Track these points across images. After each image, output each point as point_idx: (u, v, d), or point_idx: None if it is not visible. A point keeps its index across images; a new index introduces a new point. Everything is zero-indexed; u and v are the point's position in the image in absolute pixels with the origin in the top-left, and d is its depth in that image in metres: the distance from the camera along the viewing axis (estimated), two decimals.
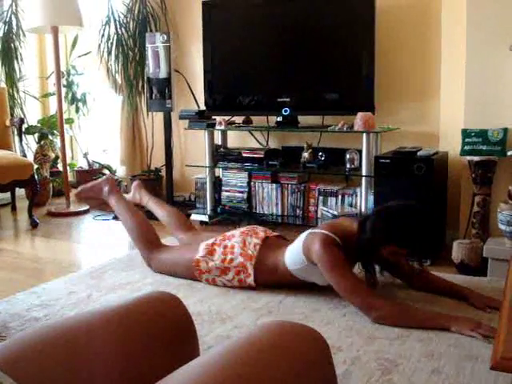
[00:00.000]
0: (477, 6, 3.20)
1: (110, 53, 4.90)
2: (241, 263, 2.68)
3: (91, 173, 5.25)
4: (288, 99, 4.04)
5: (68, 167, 5.05)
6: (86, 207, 4.76)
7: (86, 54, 5.35)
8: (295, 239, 2.63)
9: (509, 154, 3.17)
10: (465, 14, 3.25)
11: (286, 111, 4.03)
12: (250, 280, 2.68)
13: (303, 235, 2.57)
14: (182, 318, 1.14)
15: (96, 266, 3.21)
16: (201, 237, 3.08)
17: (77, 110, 5.55)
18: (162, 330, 1.08)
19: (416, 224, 2.38)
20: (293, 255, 2.57)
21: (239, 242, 2.74)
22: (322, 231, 2.45)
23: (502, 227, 3.00)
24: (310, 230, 2.55)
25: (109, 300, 2.64)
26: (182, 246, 3.13)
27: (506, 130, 3.18)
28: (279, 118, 4.13)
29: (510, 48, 2.96)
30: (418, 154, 3.41)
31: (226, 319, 2.40)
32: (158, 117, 4.80)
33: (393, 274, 2.68)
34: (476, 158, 3.25)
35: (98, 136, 5.76)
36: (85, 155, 5.50)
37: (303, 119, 4.15)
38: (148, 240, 3.05)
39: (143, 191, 3.50)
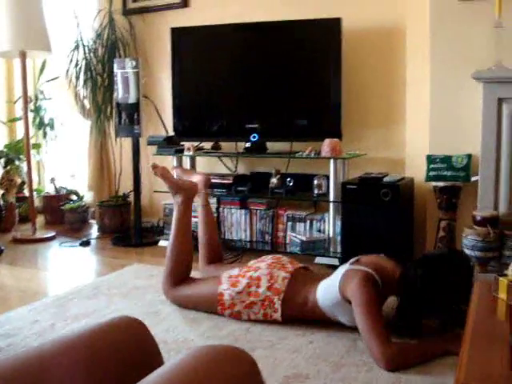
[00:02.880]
0: (440, 35, 3.27)
1: (78, 78, 4.88)
2: (267, 297, 2.56)
3: (58, 198, 5.18)
4: (256, 125, 4.06)
5: (35, 193, 4.99)
6: (52, 234, 4.69)
7: (54, 79, 5.31)
8: (327, 273, 2.54)
9: (473, 179, 3.22)
10: (429, 41, 3.32)
11: (254, 137, 4.05)
12: (278, 316, 2.56)
13: (340, 271, 2.47)
14: (148, 343, 1.13)
15: (61, 293, 3.15)
16: (223, 269, 2.91)
17: (44, 135, 5.49)
18: (128, 355, 1.07)
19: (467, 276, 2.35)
20: (327, 290, 2.47)
21: (265, 274, 2.61)
22: (365, 269, 2.37)
23: (467, 252, 3.03)
24: (349, 266, 2.45)
25: (73, 329, 2.58)
26: (203, 278, 2.97)
27: (469, 156, 3.24)
28: (248, 144, 4.14)
29: (473, 76, 3.02)
30: (384, 179, 3.45)
31: (191, 348, 2.36)
32: (127, 142, 4.78)
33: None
34: (441, 184, 3.30)
35: (66, 161, 5.70)
36: (52, 180, 5.43)
37: (271, 145, 4.17)
38: (177, 275, 2.85)
39: (207, 191, 3.22)
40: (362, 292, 2.30)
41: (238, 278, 2.65)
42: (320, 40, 3.88)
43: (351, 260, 2.53)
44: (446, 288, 2.32)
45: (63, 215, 5.04)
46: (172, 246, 2.89)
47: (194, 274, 2.96)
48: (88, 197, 5.21)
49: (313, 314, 2.54)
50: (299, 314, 2.58)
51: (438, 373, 2.10)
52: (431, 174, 3.33)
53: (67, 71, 4.89)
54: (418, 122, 3.59)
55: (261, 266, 2.69)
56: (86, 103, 4.99)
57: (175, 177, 3.19)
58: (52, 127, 5.50)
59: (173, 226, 2.93)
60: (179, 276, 2.87)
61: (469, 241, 3.00)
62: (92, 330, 1.08)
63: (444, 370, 2.11)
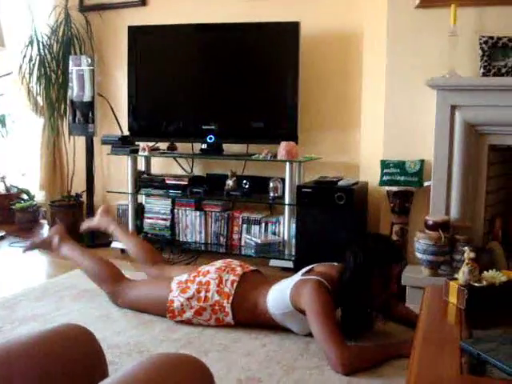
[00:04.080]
0: (396, 41, 3.31)
1: (31, 74, 4.77)
2: (217, 302, 2.56)
3: (9, 197, 5.05)
4: (213, 127, 4.04)
5: None
6: (1, 233, 4.57)
7: (6, 75, 5.17)
8: (280, 276, 2.57)
9: (425, 184, 3.27)
10: (385, 48, 3.36)
11: (210, 139, 4.03)
12: (229, 319, 2.56)
13: (291, 281, 2.48)
14: (94, 353, 1.10)
15: (9, 295, 3.07)
16: (170, 270, 2.95)
17: None
18: (72, 366, 1.04)
19: (378, 237, 2.49)
20: (277, 299, 2.47)
21: (215, 278, 2.61)
22: (316, 277, 2.39)
23: (419, 255, 3.08)
24: (300, 277, 2.47)
25: (20, 333, 2.52)
26: (151, 280, 2.98)
27: (422, 162, 3.29)
28: (204, 146, 4.12)
29: (427, 83, 3.07)
30: (339, 183, 3.48)
31: (144, 351, 2.33)
32: (81, 141, 4.69)
33: (385, 316, 2.57)
34: (394, 189, 3.34)
35: (17, 159, 5.56)
36: (2, 179, 5.29)
37: (228, 147, 4.16)
38: (110, 274, 2.89)
39: (110, 217, 3.36)
40: (315, 299, 2.31)
41: (187, 284, 2.64)
42: (278, 43, 3.89)
43: (304, 270, 2.55)
44: (374, 258, 2.36)
45: (13, 215, 4.92)
46: (86, 263, 2.96)
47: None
48: (39, 196, 5.09)
49: (264, 319, 2.54)
50: (251, 318, 2.57)
51: (389, 376, 2.13)
52: (385, 178, 3.36)
53: (20, 67, 4.77)
54: (373, 127, 3.63)
55: (210, 270, 2.69)
56: (40, 100, 4.88)
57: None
58: (3, 124, 5.36)
59: (76, 259, 3.01)
60: (117, 276, 2.89)
61: (421, 245, 3.04)
62: (34, 339, 1.05)
63: (395, 373, 2.14)
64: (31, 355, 1.01)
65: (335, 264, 2.54)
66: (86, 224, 3.46)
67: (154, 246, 4.05)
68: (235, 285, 2.57)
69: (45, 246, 3.15)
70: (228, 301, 2.55)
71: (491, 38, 3.02)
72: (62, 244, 3.07)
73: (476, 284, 1.94)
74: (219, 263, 2.77)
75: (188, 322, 2.63)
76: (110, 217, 3.36)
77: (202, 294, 2.58)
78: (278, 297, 2.48)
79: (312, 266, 2.56)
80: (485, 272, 2.04)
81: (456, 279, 2.02)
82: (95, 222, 3.38)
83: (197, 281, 2.63)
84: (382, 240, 2.52)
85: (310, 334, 2.47)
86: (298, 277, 2.50)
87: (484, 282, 1.96)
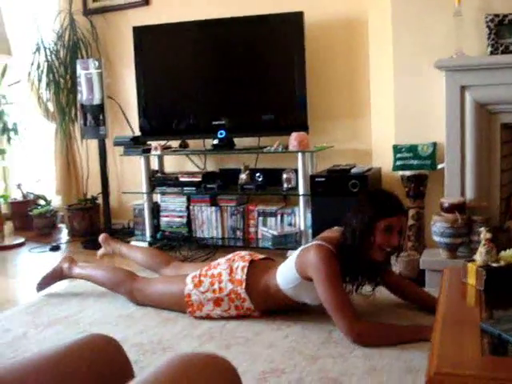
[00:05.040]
0: (402, 25, 3.30)
1: (40, 81, 4.81)
2: (232, 290, 2.58)
3: (26, 204, 5.10)
4: (223, 122, 4.06)
5: (1, 199, 4.90)
6: (21, 240, 4.62)
7: (16, 83, 5.22)
8: (285, 259, 2.59)
9: (439, 167, 3.26)
10: (391, 32, 3.34)
11: (221, 134, 4.04)
12: (248, 304, 2.58)
13: (295, 253, 2.53)
14: (119, 361, 1.11)
15: (32, 301, 3.11)
16: (184, 268, 2.98)
17: (8, 140, 5.40)
18: (97, 375, 1.05)
19: (376, 192, 2.56)
20: (285, 273, 2.50)
21: (225, 268, 2.65)
22: (317, 242, 2.42)
23: (436, 239, 3.07)
24: (302, 247, 2.52)
25: (46, 337, 2.55)
26: (167, 276, 3.01)
27: (435, 145, 3.27)
28: (215, 141, 4.13)
29: (435, 65, 3.05)
30: (352, 171, 3.48)
31: (167, 348, 2.35)
32: (93, 144, 4.72)
33: (382, 283, 2.64)
34: (408, 173, 3.33)
35: (32, 166, 5.61)
36: (18, 186, 5.34)
37: (239, 141, 4.17)
38: (125, 275, 2.97)
39: (111, 241, 3.42)
40: (320, 266, 2.34)
41: (200, 278, 2.67)
42: (283, 34, 3.89)
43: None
44: (374, 211, 2.38)
45: (32, 221, 4.97)
46: (100, 275, 3.05)
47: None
48: (56, 201, 5.14)
49: (278, 299, 2.56)
50: (267, 300, 2.60)
51: (413, 358, 2.13)
52: (398, 163, 3.35)
53: (29, 74, 4.81)
54: (383, 113, 3.61)
55: (220, 262, 2.74)
56: (50, 106, 4.91)
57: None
58: (16, 132, 5.40)
59: (89, 275, 3.09)
60: (131, 275, 2.96)
61: (437, 228, 3.03)
62: (59, 352, 1.06)
63: (418, 355, 2.14)
64: (55, 367, 1.01)
65: (336, 228, 2.57)
66: (100, 253, 3.49)
67: (172, 244, 4.13)
68: (245, 270, 2.60)
69: (56, 275, 3.19)
70: (242, 287, 2.57)
71: (497, 15, 2.99)
72: (73, 267, 3.14)
73: (494, 264, 1.94)
74: (229, 255, 2.81)
75: (208, 317, 2.65)
76: (111, 242, 3.41)
77: (216, 286, 2.62)
78: (284, 271, 2.52)
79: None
80: (502, 252, 2.03)
81: (474, 260, 2.01)
82: (103, 252, 3.43)
83: (209, 274, 2.67)
84: (380, 194, 2.54)
85: (332, 321, 2.48)
86: (299, 248, 2.55)
87: (502, 262, 1.95)
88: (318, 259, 2.35)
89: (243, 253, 2.80)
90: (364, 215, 2.38)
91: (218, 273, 2.65)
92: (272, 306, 2.62)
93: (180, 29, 4.17)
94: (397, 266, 3.14)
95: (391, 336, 2.30)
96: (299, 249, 2.55)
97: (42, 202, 5.19)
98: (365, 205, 2.42)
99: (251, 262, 2.66)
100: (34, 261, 4.13)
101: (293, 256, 2.53)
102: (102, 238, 3.43)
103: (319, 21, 3.93)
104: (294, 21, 3.79)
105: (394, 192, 2.55)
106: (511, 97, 2.99)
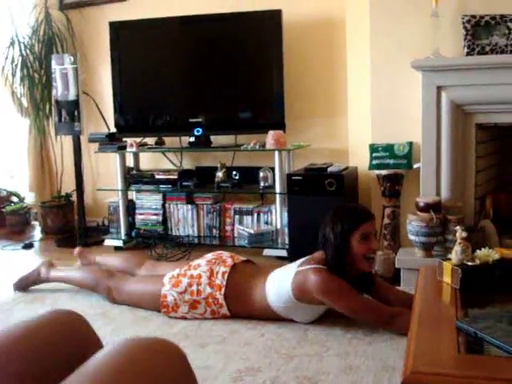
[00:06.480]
0: (379, 25, 3.31)
1: (14, 75, 4.73)
2: (210, 294, 2.56)
3: None
4: (200, 119, 4.03)
5: None
6: None
7: None
8: (271, 266, 2.61)
9: (415, 166, 3.28)
10: (369, 32, 3.35)
11: (198, 131, 4.01)
12: (224, 310, 2.56)
13: (289, 274, 2.47)
14: (87, 335, 1.10)
15: (5, 299, 3.06)
16: (158, 268, 2.95)
17: None
18: (66, 349, 1.04)
19: (340, 207, 2.54)
20: (277, 292, 2.48)
21: (205, 271, 2.61)
22: (311, 266, 2.41)
23: (412, 237, 3.09)
24: (297, 268, 2.46)
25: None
26: (145, 276, 2.96)
27: (411, 144, 3.29)
28: (192, 139, 4.11)
29: (412, 65, 3.07)
30: (329, 169, 3.49)
31: (119, 340, 2.32)
32: (68, 140, 4.66)
33: (371, 294, 2.60)
34: (384, 172, 3.34)
35: (5, 162, 5.52)
36: None
37: (216, 139, 4.15)
38: (103, 272, 2.95)
39: (86, 253, 3.38)
40: (329, 287, 2.35)
41: (179, 278, 2.64)
42: (261, 32, 3.88)
43: (298, 262, 2.55)
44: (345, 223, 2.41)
45: (4, 218, 4.89)
46: (78, 275, 3.06)
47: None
48: (29, 198, 5.07)
49: (261, 310, 2.54)
50: (248, 310, 2.57)
51: (387, 357, 2.14)
52: (374, 162, 3.37)
53: (3, 69, 4.73)
54: (360, 112, 3.62)
55: (201, 263, 2.69)
56: (24, 101, 4.84)
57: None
58: None
59: (67, 277, 3.09)
60: (108, 272, 2.95)
61: (413, 227, 3.05)
62: (24, 328, 1.05)
63: (392, 354, 2.15)
64: (20, 344, 1.00)
65: (318, 252, 2.53)
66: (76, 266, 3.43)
67: (148, 242, 4.09)
68: (226, 276, 2.58)
69: (33, 278, 3.15)
70: (220, 292, 2.55)
71: (474, 16, 3.02)
72: (50, 270, 3.11)
73: (469, 263, 1.95)
74: (210, 256, 2.77)
75: (183, 318, 2.63)
76: (86, 254, 3.36)
77: (194, 288, 2.59)
78: (278, 292, 2.48)
79: (307, 257, 2.56)
80: (477, 251, 2.04)
81: (449, 259, 2.02)
82: (78, 265, 3.34)
83: (188, 274, 2.64)
84: (345, 208, 2.57)
85: (310, 322, 2.51)
86: (294, 269, 2.49)
87: (477, 261, 1.96)
88: (322, 281, 2.35)
89: (225, 255, 2.77)
90: (339, 232, 2.40)
91: (198, 274, 2.62)
92: (250, 314, 2.59)
93: (157, 25, 4.14)
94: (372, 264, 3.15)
95: None
96: (292, 270, 2.48)
97: (15, 199, 5.11)
98: (336, 222, 2.42)
99: (232, 266, 2.64)
100: (7, 259, 4.07)
101: (286, 274, 2.49)
102: (77, 252, 3.36)
103: (297, 19, 3.92)
104: (272, 19, 3.78)
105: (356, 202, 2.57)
106: (487, 97, 3.02)
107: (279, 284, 2.49)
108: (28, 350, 0.99)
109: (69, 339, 1.06)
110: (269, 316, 2.54)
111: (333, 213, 2.50)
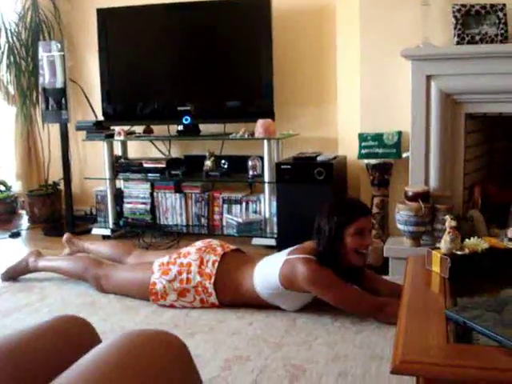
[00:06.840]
0: (369, 13, 3.29)
1: (0, 63, 4.67)
2: (199, 283, 2.55)
3: None
4: (189, 108, 4.01)
5: None
6: None
7: None
8: (261, 255, 2.61)
9: (404, 156, 3.28)
10: (358, 20, 3.34)
11: (186, 120, 3.99)
12: (213, 299, 2.56)
13: (279, 260, 2.47)
14: (93, 342, 1.09)
15: None
16: (147, 257, 2.94)
17: None
18: (68, 357, 1.02)
19: (339, 200, 2.61)
20: (264, 279, 2.48)
21: (195, 259, 2.61)
22: (301, 256, 2.41)
23: (401, 227, 3.10)
24: (287, 256, 2.46)
25: (5, 325, 2.49)
26: (134, 264, 2.95)
27: (400, 133, 3.29)
28: (180, 127, 4.08)
29: (402, 54, 3.06)
30: (318, 158, 3.48)
31: (121, 333, 2.31)
32: (55, 128, 4.61)
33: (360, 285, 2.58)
34: (373, 161, 3.34)
35: None
36: None
37: (205, 127, 4.13)
38: (90, 262, 2.94)
39: (75, 240, 3.37)
40: (317, 278, 2.36)
41: (168, 266, 2.63)
42: (251, 19, 3.85)
43: (288, 250, 2.54)
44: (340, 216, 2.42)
45: None
46: (65, 264, 3.04)
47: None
48: (16, 186, 5.02)
49: (250, 298, 2.54)
50: (236, 298, 2.58)
51: (376, 346, 2.14)
52: (363, 151, 3.36)
53: None
54: (350, 101, 3.61)
55: (190, 251, 2.69)
56: (11, 89, 4.78)
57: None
58: None
59: (55, 266, 3.06)
60: (97, 262, 2.94)
61: (402, 216, 3.06)
62: (28, 335, 1.04)
63: (381, 343, 2.15)
64: (17, 350, 0.99)
65: (308, 242, 2.54)
66: (64, 253, 3.41)
67: (136, 231, 4.08)
68: (216, 265, 2.58)
69: (21, 268, 3.13)
70: (210, 281, 2.55)
71: (464, 5, 3.01)
72: (38, 260, 3.09)
73: (458, 252, 1.95)
74: (199, 244, 2.76)
75: (171, 306, 2.62)
76: (74, 240, 3.36)
77: (184, 276, 2.58)
78: (266, 278, 2.48)
79: (295, 246, 2.56)
80: (466, 240, 2.04)
81: (438, 248, 2.02)
82: (67, 252, 3.35)
83: (178, 262, 2.63)
84: (344, 202, 2.61)
85: (297, 311, 2.51)
86: (283, 256, 2.49)
87: (466, 250, 1.96)
88: (311, 272, 2.35)
89: (214, 243, 2.76)
90: (334, 224, 2.40)
91: (188, 262, 2.61)
92: (238, 302, 2.59)
93: (145, 12, 4.10)
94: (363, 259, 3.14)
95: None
96: (282, 258, 2.48)
97: (1, 188, 5.06)
98: (333, 214, 2.42)
99: (223, 255, 2.63)
100: None
101: (275, 261, 2.50)
102: (65, 238, 3.36)
103: (287, 6, 3.90)
104: (261, 6, 3.75)
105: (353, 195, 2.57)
106: (476, 87, 3.02)
107: (268, 271, 2.49)
108: (33, 357, 0.99)
109: (73, 345, 1.06)
110: (257, 304, 2.55)
111: (331, 204, 2.50)
